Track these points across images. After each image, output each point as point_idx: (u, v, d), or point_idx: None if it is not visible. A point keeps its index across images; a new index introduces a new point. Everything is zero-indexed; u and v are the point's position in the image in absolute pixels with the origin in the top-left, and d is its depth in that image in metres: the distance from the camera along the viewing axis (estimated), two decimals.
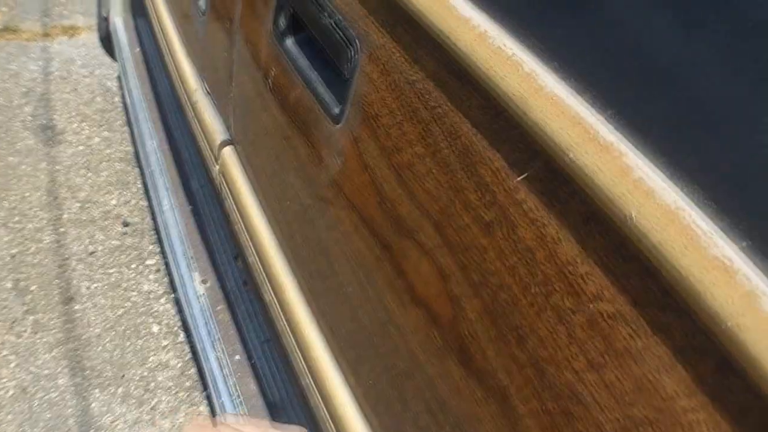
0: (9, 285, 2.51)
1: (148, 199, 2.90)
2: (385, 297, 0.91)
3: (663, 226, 0.52)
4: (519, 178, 0.66)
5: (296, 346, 1.23)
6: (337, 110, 1.00)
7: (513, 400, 0.70)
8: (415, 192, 0.82)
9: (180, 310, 2.53)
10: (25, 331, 2.38)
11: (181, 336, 2.46)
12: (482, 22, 0.70)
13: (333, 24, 1.00)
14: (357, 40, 0.94)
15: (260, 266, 1.40)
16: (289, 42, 1.18)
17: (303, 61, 1.14)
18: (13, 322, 2.40)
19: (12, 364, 2.28)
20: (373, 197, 0.91)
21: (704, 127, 0.53)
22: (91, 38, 3.95)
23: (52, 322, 2.43)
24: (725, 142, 0.52)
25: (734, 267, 0.48)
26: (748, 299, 0.46)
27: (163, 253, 2.71)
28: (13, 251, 2.63)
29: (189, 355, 2.40)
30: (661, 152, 0.55)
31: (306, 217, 1.16)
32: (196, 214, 2.24)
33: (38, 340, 2.36)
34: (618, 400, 0.59)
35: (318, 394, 1.14)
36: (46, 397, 2.21)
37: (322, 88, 1.07)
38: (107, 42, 3.38)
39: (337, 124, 1.00)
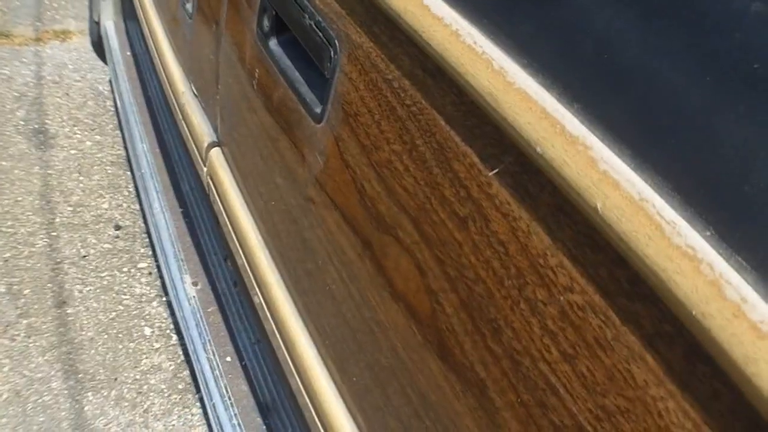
0: (2, 289, 2.52)
1: (140, 202, 2.91)
2: (367, 294, 0.92)
3: (628, 216, 0.53)
4: (491, 173, 0.67)
5: (283, 345, 1.24)
6: (318, 110, 1.01)
7: (490, 392, 0.71)
8: (394, 189, 0.83)
9: (172, 313, 2.53)
10: (18, 334, 2.38)
11: (174, 338, 2.46)
12: (454, 20, 0.71)
13: (313, 25, 1.01)
14: (336, 41, 0.95)
15: (248, 266, 1.41)
16: (273, 43, 1.19)
17: (286, 62, 1.14)
18: (7, 325, 2.40)
19: (5, 368, 2.28)
20: (354, 195, 0.92)
21: (668, 120, 0.54)
22: (83, 42, 3.95)
23: (45, 326, 2.43)
24: (689, 134, 0.53)
25: (698, 256, 0.49)
26: (712, 287, 0.47)
27: (155, 256, 2.71)
28: (6, 255, 2.63)
29: (182, 358, 2.40)
30: (626, 145, 0.56)
31: (290, 216, 1.17)
32: (187, 216, 2.24)
33: (31, 344, 2.37)
34: (590, 391, 0.59)
35: (305, 393, 1.15)
36: (40, 400, 2.21)
37: (304, 88, 1.07)
38: (99, 46, 3.38)
39: (319, 123, 1.01)
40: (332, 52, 0.96)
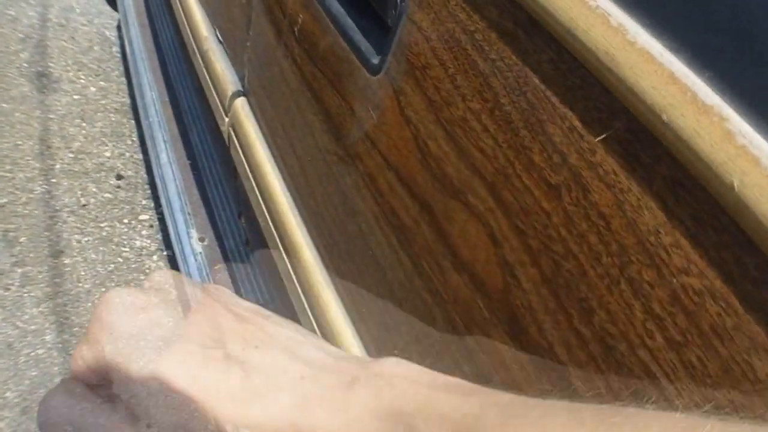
0: None
1: (144, 152, 2.85)
2: (422, 261, 0.86)
3: None
4: (597, 139, 0.61)
5: (309, 311, 1.18)
6: (376, 61, 0.95)
7: (572, 377, 0.65)
8: (467, 150, 0.76)
9: (173, 268, 2.47)
10: (12, 284, 2.33)
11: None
12: None
13: None
14: None
15: (271, 224, 1.35)
16: None
17: (338, 8, 1.08)
18: (1, 274, 2.35)
19: None
20: (414, 154, 0.85)
21: None
22: None
23: (40, 276, 2.37)
24: None
25: None
26: None
27: (156, 208, 2.66)
28: (3, 201, 2.57)
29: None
30: (767, 119, 0.50)
31: (329, 173, 1.11)
32: (195, 169, 2.19)
33: (26, 294, 2.31)
34: (699, 382, 0.54)
35: None
36: (33, 353, 2.16)
37: (359, 37, 1.01)
38: None
39: (375, 75, 0.94)
40: None
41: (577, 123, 0.63)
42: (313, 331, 1.17)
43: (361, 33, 1.01)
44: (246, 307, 0.47)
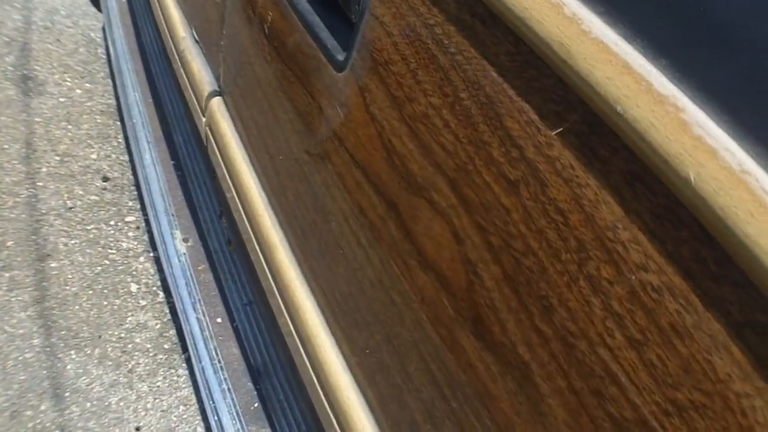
0: None
1: (130, 153, 2.83)
2: (390, 260, 0.85)
3: (727, 190, 0.46)
4: (555, 132, 0.59)
5: (285, 309, 1.17)
6: (341, 57, 0.93)
7: (534, 376, 0.64)
8: (430, 146, 0.75)
9: (160, 269, 2.47)
10: None
11: (161, 296, 2.40)
12: None
13: None
14: None
15: (248, 224, 1.34)
16: None
17: (304, 5, 1.06)
18: None
19: None
20: (380, 152, 0.84)
21: None
22: None
23: (28, 280, 2.36)
24: None
25: None
26: None
27: (143, 209, 2.64)
28: None
29: (168, 317, 2.34)
30: (724, 109, 0.48)
31: (300, 172, 1.09)
32: (179, 169, 2.17)
33: (13, 298, 2.29)
34: (660, 382, 0.53)
35: (308, 362, 1.08)
36: (21, 357, 2.15)
37: (325, 34, 0.99)
38: None
39: (341, 72, 0.93)
40: None
41: (534, 116, 0.62)
42: (288, 332, 1.16)
43: (327, 30, 1.00)
44: None
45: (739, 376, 0.48)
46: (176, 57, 1.85)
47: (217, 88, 1.60)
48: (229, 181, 1.43)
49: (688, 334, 0.51)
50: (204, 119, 1.61)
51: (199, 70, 1.68)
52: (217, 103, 1.55)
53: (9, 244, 2.45)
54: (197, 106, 1.68)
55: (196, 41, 1.77)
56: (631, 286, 0.54)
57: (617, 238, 0.55)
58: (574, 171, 0.58)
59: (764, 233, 0.44)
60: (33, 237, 2.50)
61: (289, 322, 1.15)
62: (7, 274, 2.35)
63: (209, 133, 1.58)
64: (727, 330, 0.49)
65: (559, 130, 0.59)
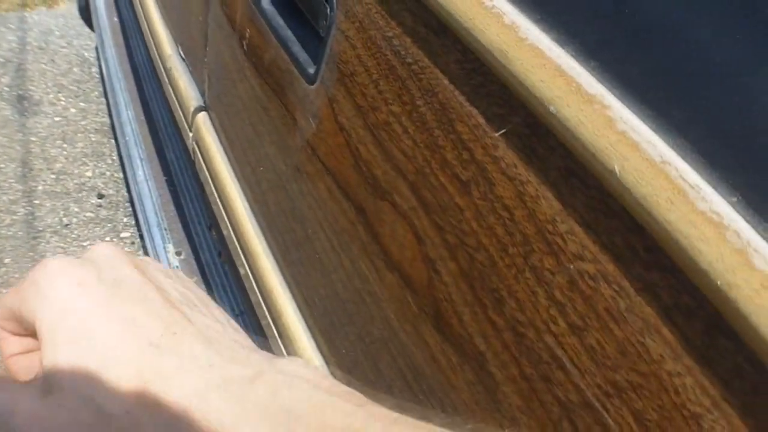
0: None
1: (124, 170, 2.87)
2: (360, 262, 0.88)
3: (648, 180, 0.49)
4: (498, 134, 0.63)
5: (269, 316, 1.20)
6: (312, 70, 0.97)
7: (490, 366, 0.68)
8: (391, 152, 0.79)
9: None
10: None
11: None
12: None
13: None
14: None
15: (233, 235, 1.38)
16: (265, 2, 1.15)
17: (278, 21, 1.10)
18: None
19: None
20: (348, 159, 0.88)
21: (691, 78, 0.51)
22: (70, 8, 3.90)
23: None
24: (713, 93, 0.50)
25: (724, 222, 0.45)
26: (739, 256, 0.44)
27: (137, 225, 2.67)
28: None
29: None
30: (646, 105, 0.52)
31: (280, 183, 1.13)
32: (171, 185, 2.20)
33: None
34: (600, 365, 0.56)
35: None
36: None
37: (297, 48, 1.03)
38: (86, 12, 3.34)
39: (312, 84, 0.97)
40: (328, 9, 0.92)
41: (481, 120, 0.65)
42: (272, 336, 1.19)
43: (299, 44, 1.04)
44: (178, 290, 0.48)
45: (671, 356, 0.51)
46: (164, 74, 1.89)
47: (203, 104, 1.63)
48: (216, 194, 1.47)
49: (622, 319, 0.54)
50: (191, 134, 1.65)
51: (185, 87, 1.72)
52: (202, 118, 1.59)
53: (7, 261, 2.49)
54: (184, 122, 1.71)
55: (183, 59, 1.81)
56: (570, 275, 0.58)
57: (556, 230, 0.59)
58: (516, 169, 0.62)
59: (683, 220, 0.47)
60: (30, 254, 2.53)
61: (273, 328, 1.18)
62: (5, 291, 2.39)
63: (196, 147, 1.62)
64: (657, 313, 0.52)
65: (503, 131, 0.63)
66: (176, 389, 0.38)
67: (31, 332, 0.43)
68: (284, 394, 0.38)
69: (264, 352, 0.44)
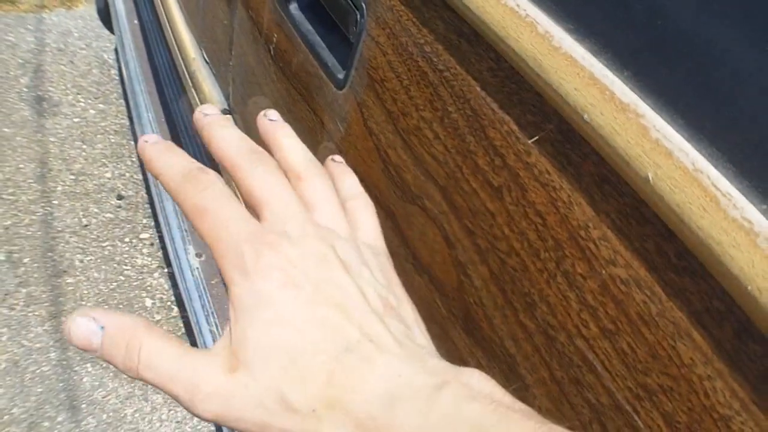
0: (2, 257, 2.50)
1: (144, 172, 2.88)
2: None
3: (681, 187, 0.50)
4: (531, 141, 0.64)
5: None
6: (341, 76, 0.99)
7: (520, 368, 0.69)
8: (422, 157, 0.80)
9: (173, 285, 2.51)
10: (17, 303, 2.37)
11: (175, 310, 2.44)
12: None
13: None
14: (363, 3, 0.92)
15: None
16: (293, 7, 1.16)
17: (307, 27, 1.11)
18: (6, 294, 2.39)
19: (4, 337, 2.26)
20: (377, 163, 0.89)
21: (724, 88, 0.52)
22: (89, 10, 3.93)
23: (44, 296, 2.41)
24: (746, 102, 0.50)
25: (755, 229, 0.46)
26: None
27: (157, 226, 2.69)
28: (7, 223, 2.61)
29: (182, 331, 2.38)
30: (679, 113, 0.53)
31: None
32: None
33: (30, 314, 2.35)
34: (631, 369, 0.57)
35: None
36: (38, 370, 2.20)
37: (326, 54, 1.04)
38: (105, 14, 3.36)
39: (341, 89, 0.98)
40: (359, 16, 0.93)
41: (514, 126, 0.67)
42: None
43: (328, 49, 1.05)
44: (379, 292, 0.47)
45: (701, 359, 0.52)
46: (187, 77, 1.90)
47: (227, 107, 1.65)
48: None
49: (654, 323, 0.55)
50: None
51: (209, 90, 1.73)
52: None
53: (26, 260, 2.51)
54: None
55: (206, 62, 1.83)
56: (602, 280, 0.59)
57: (589, 236, 0.60)
58: (549, 176, 0.63)
59: (715, 226, 0.48)
60: (49, 254, 2.55)
61: None
62: (24, 290, 2.41)
63: None
64: (688, 317, 0.53)
65: (536, 138, 0.64)
66: (363, 397, 0.39)
67: None
68: (468, 407, 0.38)
69: (444, 361, 0.44)
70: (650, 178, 0.52)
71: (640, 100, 0.55)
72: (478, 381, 0.41)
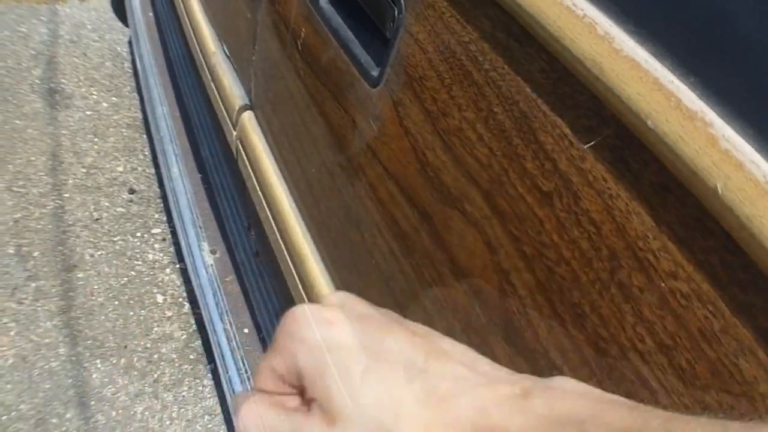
0: (11, 250, 2.47)
1: (156, 166, 2.87)
2: (423, 269, 0.87)
3: (752, 200, 0.48)
4: (587, 146, 0.62)
5: None
6: (375, 73, 0.96)
7: None
8: (463, 159, 0.78)
9: (185, 281, 2.50)
10: (26, 298, 2.35)
11: (186, 307, 2.43)
12: None
13: None
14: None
15: (278, 235, 1.36)
16: (323, 1, 1.14)
17: (338, 21, 1.09)
18: (15, 288, 2.36)
19: (12, 332, 2.24)
20: (413, 164, 0.87)
21: None
22: (103, 2, 3.92)
23: (54, 290, 2.39)
24: None
25: None
26: None
27: (169, 222, 2.67)
28: (17, 216, 2.59)
29: (194, 327, 2.36)
30: (749, 123, 0.51)
31: (333, 185, 1.12)
32: (206, 182, 2.20)
33: (39, 308, 2.33)
34: (689, 384, 0.55)
35: None
36: (47, 366, 2.18)
37: (359, 50, 1.02)
38: (119, 6, 3.35)
39: (375, 87, 0.96)
40: (397, 12, 0.90)
41: (567, 130, 0.64)
42: None
43: (361, 46, 1.03)
44: (419, 326, 0.49)
45: (765, 378, 0.50)
46: (207, 72, 1.88)
47: (248, 102, 1.63)
48: (260, 194, 1.46)
49: (715, 339, 0.53)
50: (235, 133, 1.64)
51: (230, 85, 1.71)
52: (248, 117, 1.58)
53: (35, 254, 2.49)
54: (228, 120, 1.70)
55: (227, 57, 1.81)
56: (661, 293, 0.57)
57: (648, 247, 0.57)
58: (606, 183, 0.60)
59: None
60: (59, 248, 2.53)
61: None
62: (33, 284, 2.39)
63: (240, 146, 1.61)
64: (753, 334, 0.51)
65: (592, 143, 0.62)
66: (456, 408, 0.40)
67: (295, 386, 0.45)
68: (560, 405, 0.38)
69: (521, 374, 0.45)
70: (719, 190, 0.50)
71: (708, 108, 0.53)
72: (561, 382, 0.42)
